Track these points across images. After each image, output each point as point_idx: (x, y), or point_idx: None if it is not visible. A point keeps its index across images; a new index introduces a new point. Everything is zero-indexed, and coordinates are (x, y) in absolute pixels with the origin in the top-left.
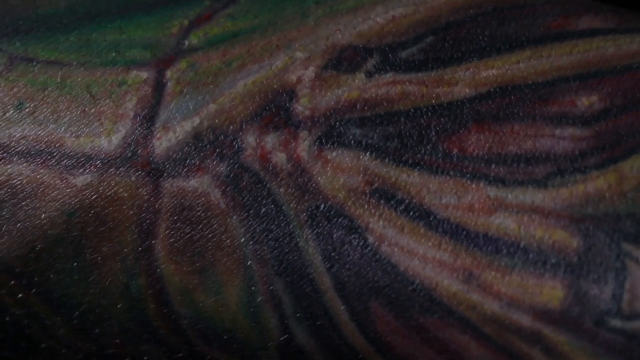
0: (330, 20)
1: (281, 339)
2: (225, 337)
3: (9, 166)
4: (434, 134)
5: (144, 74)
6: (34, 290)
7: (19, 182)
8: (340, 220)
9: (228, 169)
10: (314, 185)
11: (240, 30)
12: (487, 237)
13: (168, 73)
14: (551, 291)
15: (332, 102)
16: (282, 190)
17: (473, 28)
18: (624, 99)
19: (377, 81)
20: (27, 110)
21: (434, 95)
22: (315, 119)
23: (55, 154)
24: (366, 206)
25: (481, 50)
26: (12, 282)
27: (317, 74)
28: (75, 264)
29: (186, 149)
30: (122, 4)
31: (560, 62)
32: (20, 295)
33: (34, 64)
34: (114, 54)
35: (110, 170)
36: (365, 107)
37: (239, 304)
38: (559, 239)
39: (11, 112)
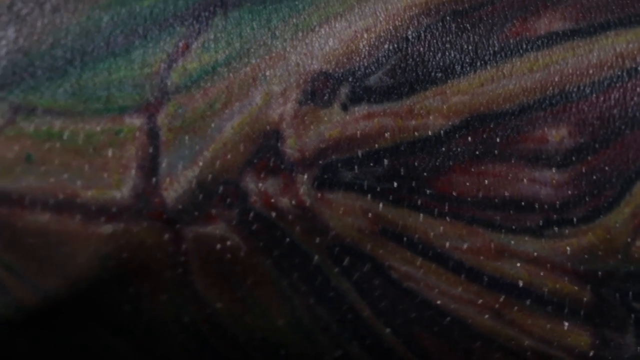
0: (298, 41)
1: (336, 355)
2: (282, 353)
3: (34, 216)
4: (421, 174)
5: (137, 121)
6: (89, 319)
7: (47, 231)
8: (361, 257)
9: (239, 215)
10: (325, 226)
11: (217, 62)
12: (502, 281)
13: (159, 119)
14: (578, 337)
15: (317, 142)
16: (296, 231)
17: (434, 39)
18: (592, 134)
19: (353, 115)
20: (37, 162)
21: (410, 128)
22: (307, 161)
23: (74, 205)
24: (381, 245)
25: (445, 69)
26: (67, 314)
27: (296, 110)
28: (121, 298)
29: (194, 198)
30: (106, 37)
31: (522, 82)
32: (77, 323)
33: (35, 113)
34: (106, 100)
35: (129, 220)
36: (349, 146)
37: (288, 326)
38: (570, 292)
39: (23, 164)
